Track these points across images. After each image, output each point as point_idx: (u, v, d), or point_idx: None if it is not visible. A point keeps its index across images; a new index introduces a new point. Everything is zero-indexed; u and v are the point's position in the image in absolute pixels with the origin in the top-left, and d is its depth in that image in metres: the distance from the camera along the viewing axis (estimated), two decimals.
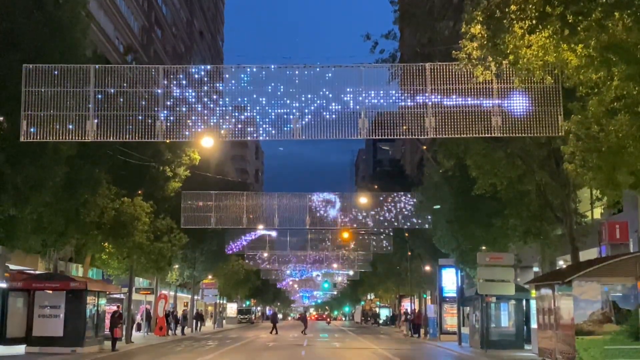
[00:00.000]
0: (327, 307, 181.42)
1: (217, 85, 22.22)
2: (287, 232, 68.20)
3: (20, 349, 29.45)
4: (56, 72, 21.26)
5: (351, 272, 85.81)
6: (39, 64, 21.34)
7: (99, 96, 21.44)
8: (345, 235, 45.01)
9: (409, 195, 45.11)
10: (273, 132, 21.78)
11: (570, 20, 14.56)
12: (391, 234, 57.54)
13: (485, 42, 16.35)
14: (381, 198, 45.83)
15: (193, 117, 21.88)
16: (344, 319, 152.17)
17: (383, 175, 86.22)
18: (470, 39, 16.73)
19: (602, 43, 14.85)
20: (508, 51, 15.99)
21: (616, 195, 19.49)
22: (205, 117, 21.99)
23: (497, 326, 35.20)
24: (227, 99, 22.35)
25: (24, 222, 25.81)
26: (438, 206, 37.90)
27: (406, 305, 74.36)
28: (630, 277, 22.72)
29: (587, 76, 16.08)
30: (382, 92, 21.67)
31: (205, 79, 22.18)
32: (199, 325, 64.45)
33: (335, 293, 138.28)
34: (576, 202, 28.94)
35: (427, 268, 53.85)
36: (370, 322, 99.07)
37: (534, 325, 31.00)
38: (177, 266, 52.04)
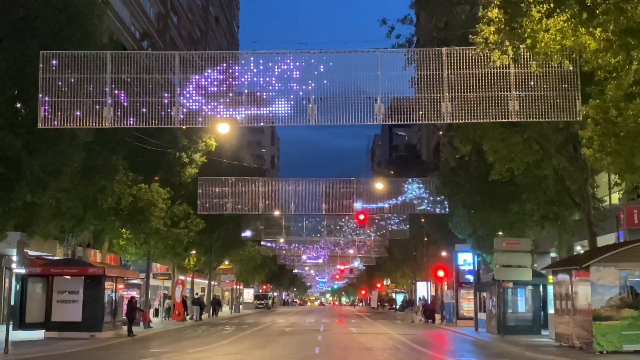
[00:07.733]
0: (342, 293, 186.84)
1: (233, 71, 22.21)
2: (303, 217, 68.17)
3: (40, 334, 29.71)
4: (73, 59, 21.34)
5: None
6: (56, 51, 21.43)
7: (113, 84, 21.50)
8: (361, 217, 44.59)
9: (425, 181, 44.97)
10: (289, 117, 21.80)
11: (588, 4, 14.44)
12: (406, 220, 57.40)
13: (502, 26, 16.24)
14: (397, 184, 45.72)
15: (209, 103, 21.91)
16: (360, 304, 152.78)
17: (399, 160, 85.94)
18: (488, 23, 16.62)
19: (620, 26, 14.71)
20: (525, 35, 15.88)
21: (635, 179, 19.38)
22: (221, 103, 22.01)
23: (514, 312, 35.17)
24: (242, 85, 22.37)
25: (42, 208, 25.97)
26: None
27: (421, 291, 74.12)
28: None
29: (605, 60, 15.95)
30: (398, 77, 21.63)
31: (221, 65, 22.18)
32: (216, 310, 64.73)
33: (351, 278, 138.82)
34: (594, 187, 28.77)
35: (444, 253, 53.79)
36: (386, 307, 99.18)
37: (551, 310, 30.93)
38: (193, 252, 52.29)
